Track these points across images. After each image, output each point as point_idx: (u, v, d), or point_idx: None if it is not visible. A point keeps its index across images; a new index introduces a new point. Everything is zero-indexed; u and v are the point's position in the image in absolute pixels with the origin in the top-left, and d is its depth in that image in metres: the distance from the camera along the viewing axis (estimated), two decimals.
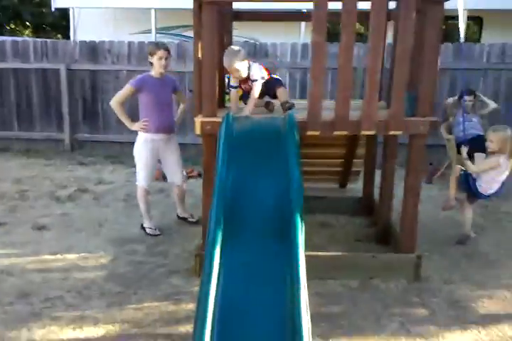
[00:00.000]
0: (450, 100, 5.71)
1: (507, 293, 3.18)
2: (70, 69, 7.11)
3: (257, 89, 3.33)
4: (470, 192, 3.96)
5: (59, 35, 18.49)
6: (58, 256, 3.66)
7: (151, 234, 4.10)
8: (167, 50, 3.90)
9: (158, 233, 4.13)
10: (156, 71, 3.91)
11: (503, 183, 3.90)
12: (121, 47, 7.07)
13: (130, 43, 7.07)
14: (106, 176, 6.02)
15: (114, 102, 3.93)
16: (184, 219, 4.45)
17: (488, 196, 3.97)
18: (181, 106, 4.33)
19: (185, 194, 4.44)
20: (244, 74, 3.34)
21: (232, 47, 3.38)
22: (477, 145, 4.43)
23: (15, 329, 2.69)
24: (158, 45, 3.91)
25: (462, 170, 3.96)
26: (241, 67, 3.29)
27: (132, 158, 4.16)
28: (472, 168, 3.86)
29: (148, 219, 4.19)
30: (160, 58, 3.83)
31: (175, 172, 4.25)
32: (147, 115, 3.99)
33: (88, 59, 7.14)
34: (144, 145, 4.05)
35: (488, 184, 3.86)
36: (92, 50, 7.12)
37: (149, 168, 4.09)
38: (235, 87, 3.49)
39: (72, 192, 5.31)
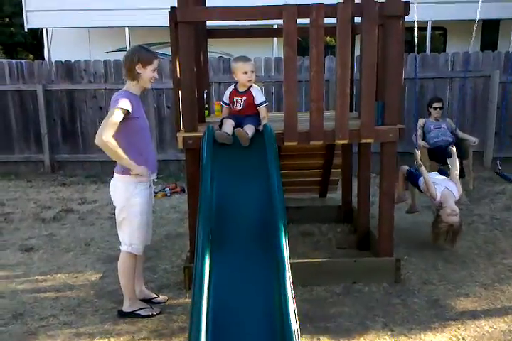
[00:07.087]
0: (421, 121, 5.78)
1: (482, 291, 3.35)
2: (47, 90, 7.15)
3: (266, 112, 3.33)
4: (415, 185, 4.34)
5: (30, 55, 18.37)
6: (48, 276, 3.71)
7: (150, 315, 3.06)
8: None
9: (158, 311, 3.10)
10: (140, 86, 2.99)
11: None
12: (97, 66, 7.15)
13: (106, 61, 7.15)
14: (89, 195, 6.07)
15: (108, 138, 2.71)
16: (149, 300, 3.24)
17: None
18: None
19: None
20: (252, 80, 3.28)
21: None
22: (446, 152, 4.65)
23: None
24: (153, 53, 2.98)
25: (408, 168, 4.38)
26: (253, 73, 3.27)
27: None
28: (425, 175, 3.99)
29: (134, 299, 3.08)
30: (154, 70, 2.96)
31: (151, 227, 3.20)
32: (142, 149, 2.98)
33: (64, 79, 7.19)
34: (141, 194, 2.95)
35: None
36: (68, 69, 7.17)
37: (148, 224, 3.09)
38: (227, 104, 3.41)
39: (56, 212, 5.34)
